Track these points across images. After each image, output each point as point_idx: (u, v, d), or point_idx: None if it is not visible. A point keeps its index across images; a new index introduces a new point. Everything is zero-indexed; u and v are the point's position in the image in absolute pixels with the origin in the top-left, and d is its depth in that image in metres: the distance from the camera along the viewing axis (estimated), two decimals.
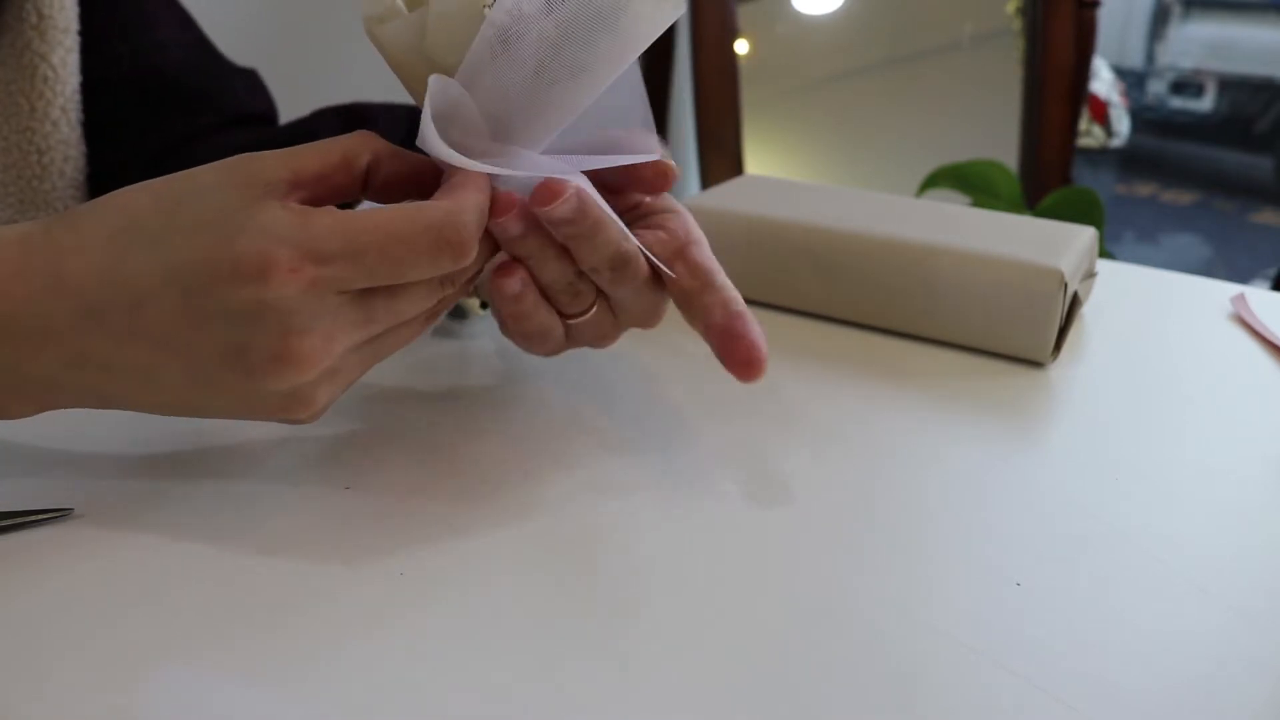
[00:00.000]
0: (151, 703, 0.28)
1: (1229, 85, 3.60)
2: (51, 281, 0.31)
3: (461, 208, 0.33)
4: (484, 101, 0.35)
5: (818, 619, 0.32)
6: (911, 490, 0.40)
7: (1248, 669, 0.30)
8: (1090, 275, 0.56)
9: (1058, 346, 0.50)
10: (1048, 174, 1.52)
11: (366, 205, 0.36)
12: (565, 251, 0.36)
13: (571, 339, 0.40)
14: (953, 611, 0.32)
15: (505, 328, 0.39)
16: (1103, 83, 3.06)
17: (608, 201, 0.36)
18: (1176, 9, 3.72)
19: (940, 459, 0.42)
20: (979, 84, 1.62)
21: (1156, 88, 3.73)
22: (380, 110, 0.53)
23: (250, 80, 0.58)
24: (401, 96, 0.48)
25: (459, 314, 0.52)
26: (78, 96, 0.50)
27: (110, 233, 0.32)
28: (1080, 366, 0.51)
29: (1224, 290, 0.61)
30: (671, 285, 0.39)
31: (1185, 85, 3.68)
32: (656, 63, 1.53)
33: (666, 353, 0.51)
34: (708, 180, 1.49)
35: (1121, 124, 3.17)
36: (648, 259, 0.38)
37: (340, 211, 0.32)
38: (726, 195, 0.60)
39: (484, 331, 0.52)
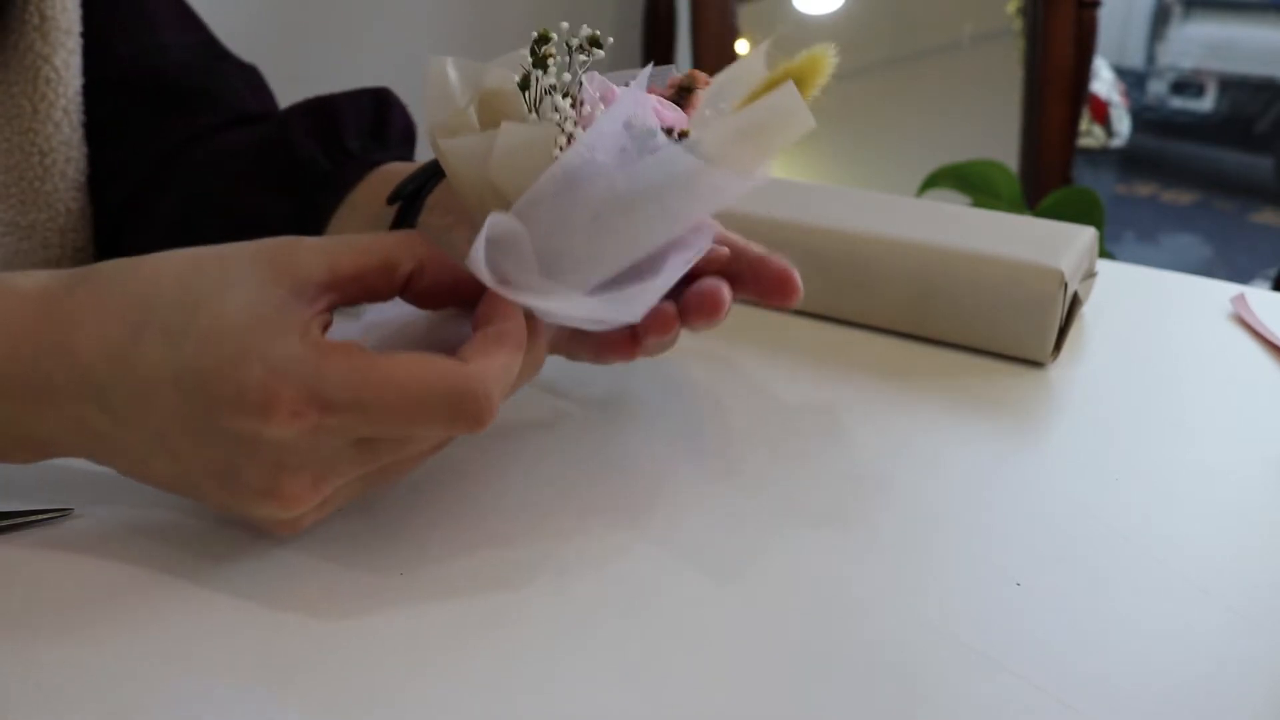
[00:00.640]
0: (151, 702, 0.28)
1: (1229, 85, 3.59)
2: (61, 349, 0.31)
3: (486, 374, 0.30)
4: (539, 236, 0.33)
5: (817, 619, 0.32)
6: (911, 490, 0.40)
7: (1247, 669, 0.30)
8: (1090, 275, 0.56)
9: (1058, 346, 0.50)
10: (1048, 174, 1.52)
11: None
12: None
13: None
14: (953, 611, 0.32)
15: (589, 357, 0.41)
16: (1103, 83, 3.06)
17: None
18: (1177, 9, 3.72)
19: (940, 459, 0.42)
20: (979, 84, 1.62)
21: (1157, 88, 3.73)
22: (345, 102, 0.52)
23: (251, 78, 0.58)
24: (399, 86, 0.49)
25: None
26: (80, 98, 0.50)
27: (126, 307, 0.31)
28: (1080, 366, 0.51)
29: (1224, 290, 0.61)
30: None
31: (1186, 85, 3.67)
32: (657, 63, 1.53)
33: (668, 353, 0.51)
34: None
35: (1122, 124, 3.17)
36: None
37: (358, 355, 0.30)
38: None
39: None
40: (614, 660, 0.30)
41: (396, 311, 0.36)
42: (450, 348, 0.32)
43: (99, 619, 0.31)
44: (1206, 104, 3.64)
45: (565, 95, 0.33)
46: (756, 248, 0.42)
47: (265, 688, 0.29)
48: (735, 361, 0.50)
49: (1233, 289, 0.61)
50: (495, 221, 0.32)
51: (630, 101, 0.33)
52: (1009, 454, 0.43)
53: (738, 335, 0.53)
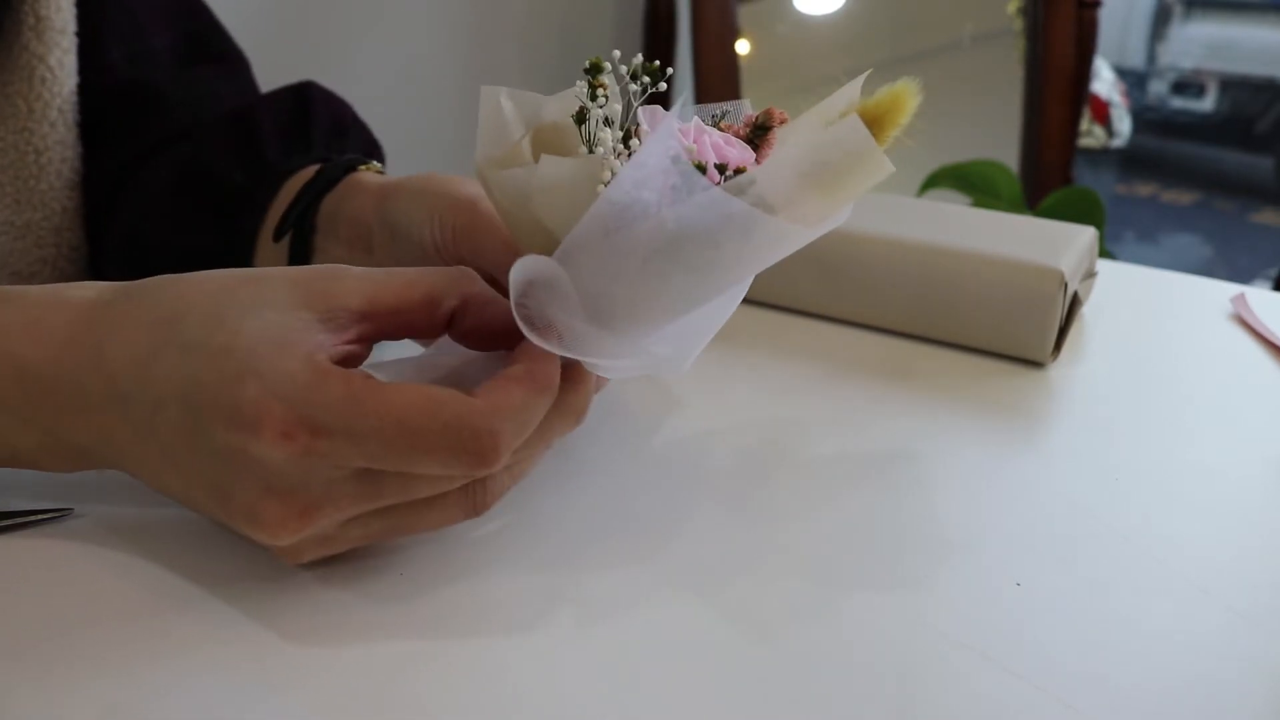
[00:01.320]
0: (151, 702, 0.28)
1: (1230, 85, 3.59)
2: (94, 357, 0.31)
3: (493, 410, 0.29)
4: (585, 278, 0.31)
5: (817, 619, 0.32)
6: (911, 490, 0.40)
7: (1247, 669, 0.30)
8: (1090, 275, 0.56)
9: (1058, 346, 0.50)
10: (1048, 174, 1.52)
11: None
12: None
13: None
14: (953, 611, 0.32)
15: None
16: (1104, 83, 3.06)
17: None
18: (1177, 9, 3.71)
19: (940, 459, 0.42)
20: (979, 84, 1.62)
21: (1157, 88, 3.73)
22: (264, 107, 0.50)
23: (232, 77, 0.57)
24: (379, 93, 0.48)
25: None
26: (75, 98, 0.50)
27: (156, 321, 0.31)
28: (1080, 366, 0.51)
29: (1224, 290, 0.61)
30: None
31: (1186, 85, 3.67)
32: (656, 63, 1.53)
33: None
34: None
35: (1122, 124, 3.17)
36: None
37: (358, 381, 0.29)
38: None
39: None
40: (613, 660, 0.30)
41: (451, 353, 0.35)
42: None
43: (99, 619, 0.31)
44: (1207, 104, 3.64)
45: (615, 126, 0.31)
46: None
47: (265, 688, 0.29)
48: (735, 361, 0.50)
49: (1233, 289, 0.61)
50: (528, 265, 0.31)
51: (669, 132, 0.30)
52: (1009, 454, 0.43)
53: (737, 335, 0.53)
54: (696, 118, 0.33)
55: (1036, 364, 0.51)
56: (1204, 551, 0.36)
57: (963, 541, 0.36)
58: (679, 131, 0.31)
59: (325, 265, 0.32)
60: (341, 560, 0.33)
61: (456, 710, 0.28)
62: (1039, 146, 1.53)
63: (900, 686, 0.29)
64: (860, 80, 0.35)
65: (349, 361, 0.31)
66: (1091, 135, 3.03)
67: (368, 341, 0.32)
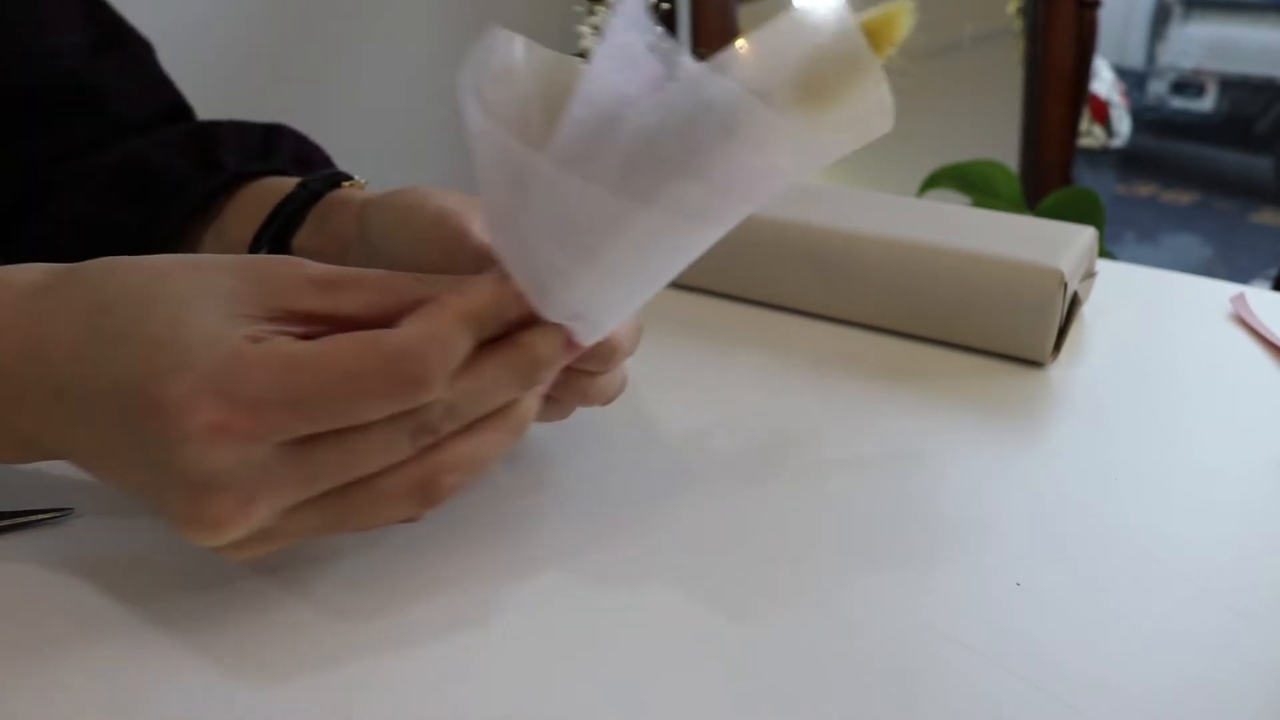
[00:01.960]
0: (152, 702, 0.28)
1: (1229, 85, 3.60)
2: (34, 344, 0.30)
3: (418, 333, 0.28)
4: (556, 203, 0.28)
5: (817, 618, 0.32)
6: (911, 490, 0.40)
7: (1247, 669, 0.30)
8: (1090, 275, 0.56)
9: (1058, 346, 0.50)
10: (1048, 174, 1.52)
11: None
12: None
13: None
14: (953, 611, 0.32)
15: None
16: (1103, 83, 3.06)
17: None
18: (1177, 9, 3.72)
19: (940, 459, 0.42)
20: (979, 84, 1.62)
21: (1157, 88, 3.73)
22: (229, 128, 0.48)
23: (142, 71, 0.55)
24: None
25: None
26: None
27: (91, 308, 0.29)
28: (1080, 366, 0.51)
29: (1224, 290, 0.61)
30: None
31: (1186, 85, 3.68)
32: None
33: (665, 355, 0.51)
34: None
35: (1122, 124, 3.17)
36: None
37: (284, 346, 0.27)
38: None
39: None
40: (613, 660, 0.30)
41: None
42: None
43: (99, 618, 0.31)
44: (1206, 104, 3.64)
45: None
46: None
47: (264, 687, 0.29)
48: (734, 361, 0.50)
49: (1233, 289, 0.61)
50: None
51: (637, 12, 0.27)
52: (1009, 454, 0.43)
53: (737, 335, 0.53)
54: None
55: (1036, 364, 0.51)
56: (1204, 551, 0.36)
57: (963, 541, 0.36)
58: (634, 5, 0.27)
59: (279, 257, 0.31)
60: (341, 559, 0.33)
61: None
62: (1039, 146, 1.53)
63: (900, 686, 0.29)
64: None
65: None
66: (1091, 135, 3.03)
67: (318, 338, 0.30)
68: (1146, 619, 0.33)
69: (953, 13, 1.63)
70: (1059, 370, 0.50)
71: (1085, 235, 0.55)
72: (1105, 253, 1.07)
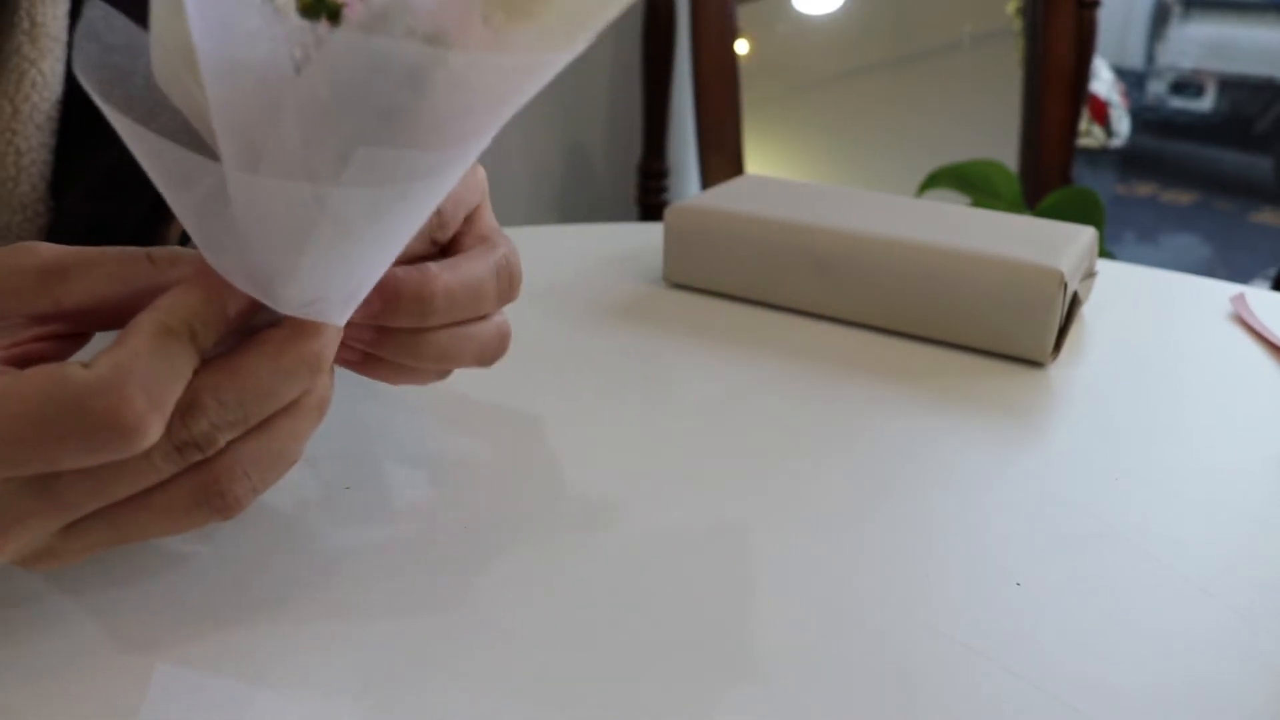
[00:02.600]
0: (152, 702, 0.28)
1: (1229, 85, 3.60)
2: None
3: (118, 371, 0.23)
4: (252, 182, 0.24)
5: (817, 618, 0.32)
6: (911, 490, 0.40)
7: (1247, 669, 0.30)
8: (1090, 275, 0.56)
9: (1057, 346, 0.50)
10: (1048, 174, 1.52)
11: None
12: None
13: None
14: (953, 611, 0.32)
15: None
16: (1103, 83, 3.06)
17: None
18: (1176, 9, 3.72)
19: (939, 459, 0.42)
20: (979, 84, 1.62)
21: (1156, 88, 3.73)
22: None
23: None
24: None
25: None
26: (59, 107, 0.50)
27: None
28: (1080, 366, 0.51)
29: (1224, 290, 0.61)
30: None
31: (1185, 85, 3.68)
32: (657, 63, 1.53)
33: (664, 355, 0.51)
34: (708, 180, 1.49)
35: (1121, 124, 3.17)
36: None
37: None
38: (726, 195, 0.60)
39: None
40: (612, 660, 0.30)
41: None
42: None
43: (99, 618, 0.31)
44: (1206, 104, 3.64)
45: None
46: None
47: (266, 685, 0.29)
48: (733, 361, 0.50)
49: (1232, 289, 0.61)
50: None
51: None
52: (1009, 454, 0.43)
53: (736, 335, 0.53)
54: None
55: (1036, 364, 0.51)
56: (1204, 551, 0.36)
57: (962, 541, 0.36)
58: None
59: (8, 247, 0.27)
60: (341, 557, 0.33)
61: None
62: (1038, 146, 1.53)
63: (900, 686, 0.29)
64: None
65: (30, 362, 0.25)
66: (1091, 135, 3.03)
67: (63, 338, 0.27)
68: (1146, 619, 0.33)
69: (953, 13, 1.63)
70: (1059, 370, 0.50)
71: (1085, 235, 0.55)
72: (1105, 253, 1.07)
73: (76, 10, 0.50)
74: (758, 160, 1.57)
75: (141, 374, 0.24)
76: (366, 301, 0.29)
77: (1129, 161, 3.51)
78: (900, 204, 0.59)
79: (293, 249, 0.25)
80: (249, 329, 0.27)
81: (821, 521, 0.37)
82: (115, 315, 0.26)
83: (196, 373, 0.25)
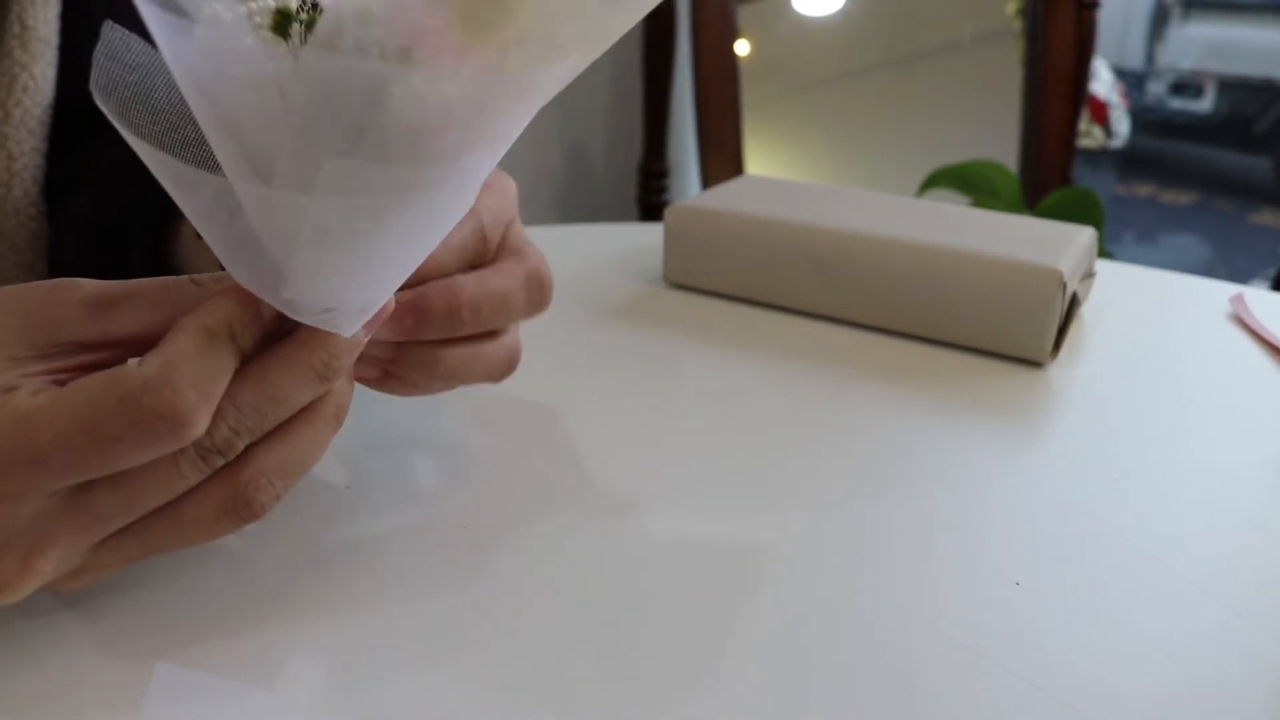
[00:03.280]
0: (152, 701, 0.28)
1: (1228, 86, 3.60)
2: None
3: (168, 365, 0.25)
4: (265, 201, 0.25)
5: (817, 619, 0.32)
6: (911, 490, 0.40)
7: (1247, 669, 0.30)
8: (1089, 275, 0.56)
9: (1057, 346, 0.50)
10: (1048, 174, 1.52)
11: None
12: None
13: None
14: (953, 611, 0.32)
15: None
16: (1102, 83, 3.06)
17: None
18: (1176, 10, 3.72)
19: (939, 459, 0.42)
20: (979, 84, 1.62)
21: (1156, 88, 3.74)
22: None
23: None
24: None
25: None
26: (51, 111, 0.50)
27: None
28: (1080, 366, 0.51)
29: (1223, 290, 0.61)
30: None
31: (1185, 86, 3.68)
32: (657, 63, 1.53)
33: (664, 355, 0.51)
34: (708, 180, 1.49)
35: (1121, 125, 3.17)
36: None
37: (23, 400, 0.25)
38: (726, 195, 0.60)
39: None
40: (612, 659, 0.30)
41: None
42: None
43: (99, 618, 0.31)
44: (1205, 104, 3.64)
45: None
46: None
47: (266, 684, 0.29)
48: (734, 362, 0.50)
49: (1232, 289, 0.61)
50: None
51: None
52: (1008, 454, 0.43)
53: (736, 335, 0.53)
54: None
55: (1035, 364, 0.51)
56: (1203, 551, 0.36)
57: (962, 541, 0.36)
58: None
59: (51, 282, 0.28)
60: (341, 556, 0.33)
61: None
62: (1038, 147, 1.53)
63: (900, 686, 0.29)
64: None
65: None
66: (1090, 136, 3.03)
67: (102, 366, 0.27)
68: (1146, 619, 0.33)
69: (953, 13, 1.63)
70: (1058, 370, 0.50)
71: (1084, 235, 0.55)
72: (1104, 253, 1.07)
73: (67, 14, 0.50)
74: (758, 160, 1.57)
75: (191, 370, 0.25)
76: (400, 318, 0.31)
77: (1128, 162, 3.51)
78: (900, 204, 0.59)
79: (284, 257, 0.26)
80: (285, 332, 0.28)
81: (821, 521, 0.37)
82: (159, 339, 0.27)
83: None
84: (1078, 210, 1.19)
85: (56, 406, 0.25)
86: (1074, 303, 0.51)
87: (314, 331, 0.28)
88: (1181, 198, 3.39)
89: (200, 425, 0.25)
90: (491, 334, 0.35)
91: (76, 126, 0.51)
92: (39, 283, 0.28)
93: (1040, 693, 0.29)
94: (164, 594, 0.32)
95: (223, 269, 0.27)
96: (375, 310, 0.29)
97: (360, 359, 0.30)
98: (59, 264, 0.51)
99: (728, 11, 1.48)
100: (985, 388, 0.49)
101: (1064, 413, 0.47)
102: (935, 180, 1.33)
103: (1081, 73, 1.51)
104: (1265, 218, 3.24)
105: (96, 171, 0.50)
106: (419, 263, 0.28)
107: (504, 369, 0.36)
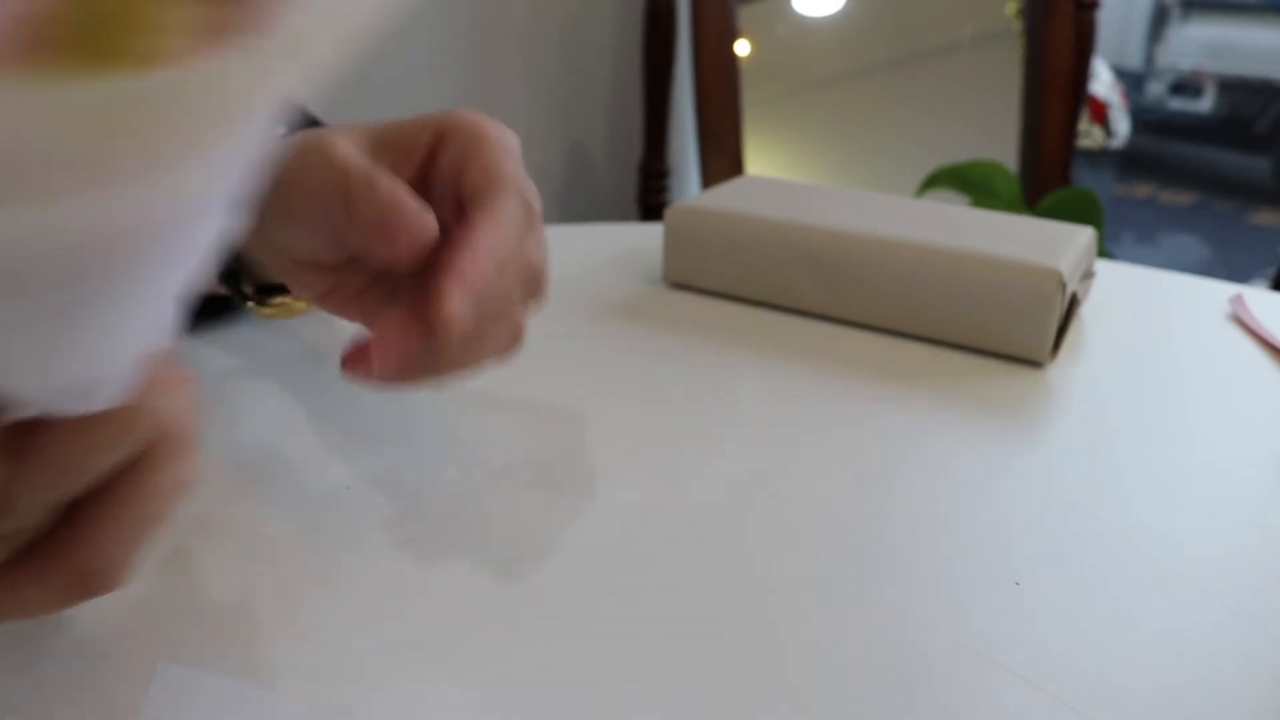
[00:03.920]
0: (152, 701, 0.28)
1: (1228, 86, 3.60)
2: None
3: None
4: None
5: (817, 619, 0.32)
6: (910, 490, 0.40)
7: (1246, 669, 0.31)
8: (1089, 275, 0.56)
9: (1056, 346, 0.50)
10: (1047, 174, 1.52)
11: None
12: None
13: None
14: (953, 611, 0.32)
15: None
16: (1102, 84, 3.06)
17: None
18: (1175, 10, 3.72)
19: (939, 459, 0.42)
20: (979, 84, 1.62)
21: (1155, 89, 3.74)
22: None
23: None
24: None
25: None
26: None
27: None
28: (1079, 366, 0.51)
29: (1223, 290, 0.61)
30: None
31: (1184, 86, 3.68)
32: (657, 63, 1.53)
33: (667, 354, 0.51)
34: (708, 180, 1.49)
35: (1121, 125, 3.17)
36: None
37: None
38: (726, 195, 0.60)
39: None
40: (611, 659, 0.30)
41: None
42: None
43: (100, 618, 0.31)
44: (1205, 105, 3.64)
45: None
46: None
47: (267, 684, 0.29)
48: (733, 361, 0.50)
49: (1231, 289, 0.61)
50: None
51: None
52: (1008, 454, 0.43)
53: (736, 335, 0.53)
54: None
55: (1035, 364, 0.51)
56: (1203, 551, 0.36)
57: (962, 541, 0.36)
58: None
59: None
60: (342, 556, 0.34)
61: None
62: (1038, 147, 1.53)
63: (899, 686, 0.29)
64: None
65: None
66: (1090, 136, 3.03)
67: None
68: (1146, 619, 0.33)
69: (952, 13, 1.63)
70: (1058, 370, 0.50)
71: (1084, 235, 0.55)
72: (1104, 253, 1.07)
73: None
74: (758, 161, 1.57)
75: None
76: (404, 342, 0.31)
77: (1128, 162, 3.51)
78: (899, 204, 0.59)
79: None
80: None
81: (821, 521, 0.37)
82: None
83: None
84: (1077, 210, 1.19)
85: None
86: (1073, 303, 0.51)
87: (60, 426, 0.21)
88: (1181, 198, 3.39)
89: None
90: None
91: None
92: None
93: (1040, 693, 0.29)
94: (164, 593, 0.32)
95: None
96: (110, 382, 0.21)
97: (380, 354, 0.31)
98: None
99: (728, 12, 1.48)
100: (985, 388, 0.49)
101: (1064, 413, 0.47)
102: (935, 180, 1.34)
103: (1081, 73, 1.51)
104: (1265, 218, 3.24)
105: None
106: (152, 323, 0.21)
107: (509, 348, 0.35)
